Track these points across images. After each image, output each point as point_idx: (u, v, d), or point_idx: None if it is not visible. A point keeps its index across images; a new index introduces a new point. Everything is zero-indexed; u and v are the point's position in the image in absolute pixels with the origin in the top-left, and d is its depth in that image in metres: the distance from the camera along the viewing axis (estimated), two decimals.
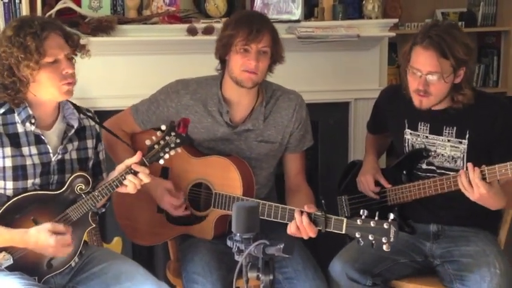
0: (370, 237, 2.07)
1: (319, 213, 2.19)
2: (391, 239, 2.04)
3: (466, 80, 2.40)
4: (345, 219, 2.14)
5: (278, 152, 2.60)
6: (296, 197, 2.52)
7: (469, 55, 2.36)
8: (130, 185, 2.20)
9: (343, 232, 2.14)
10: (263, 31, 2.40)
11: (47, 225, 2.13)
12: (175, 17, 3.24)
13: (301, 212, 2.21)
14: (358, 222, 2.10)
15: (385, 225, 2.05)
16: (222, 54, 2.48)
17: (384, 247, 2.05)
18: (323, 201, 2.25)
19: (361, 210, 2.10)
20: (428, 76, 2.34)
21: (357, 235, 2.09)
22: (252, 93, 2.51)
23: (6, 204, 2.15)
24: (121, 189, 2.22)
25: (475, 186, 2.25)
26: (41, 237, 2.11)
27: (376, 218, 2.07)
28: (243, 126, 2.52)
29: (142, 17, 3.21)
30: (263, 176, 2.57)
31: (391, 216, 2.05)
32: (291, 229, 2.24)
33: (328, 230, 2.18)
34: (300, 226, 2.21)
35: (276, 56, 2.48)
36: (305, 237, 2.23)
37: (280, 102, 2.56)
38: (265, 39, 2.40)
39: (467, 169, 2.28)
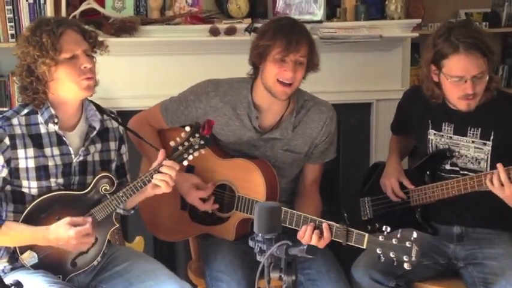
0: (391, 255, 2.04)
1: (341, 226, 2.18)
2: (413, 258, 2.02)
3: (492, 66, 2.40)
4: (366, 235, 2.12)
5: (302, 162, 2.58)
6: (306, 204, 2.50)
7: (494, 42, 2.36)
8: (161, 184, 2.20)
9: (364, 247, 2.12)
10: (301, 42, 2.35)
11: (65, 220, 2.14)
12: (198, 18, 3.26)
13: (315, 226, 2.21)
14: (380, 238, 2.07)
15: (408, 244, 2.02)
16: (257, 62, 2.44)
17: (405, 265, 2.03)
18: (345, 214, 2.23)
19: (384, 227, 2.07)
20: (473, 79, 2.32)
21: (378, 251, 2.07)
22: (284, 101, 2.48)
23: (33, 203, 2.17)
24: (157, 191, 2.23)
25: (506, 185, 2.23)
26: (60, 231, 2.12)
27: (399, 235, 2.04)
28: (271, 134, 2.50)
29: (165, 18, 3.23)
30: (284, 182, 2.55)
31: (414, 234, 2.03)
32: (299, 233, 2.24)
33: (349, 243, 2.17)
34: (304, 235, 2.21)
35: (311, 65, 2.43)
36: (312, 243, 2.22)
37: (311, 114, 2.52)
38: (302, 50, 2.36)
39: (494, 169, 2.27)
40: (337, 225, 2.19)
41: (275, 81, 2.37)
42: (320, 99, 2.58)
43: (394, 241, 2.04)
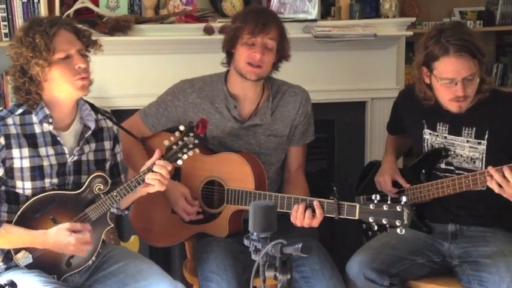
0: (384, 221, 2.10)
1: (332, 201, 2.21)
2: (405, 222, 2.07)
3: (485, 68, 2.41)
4: (357, 205, 2.16)
5: (285, 145, 2.62)
6: (294, 190, 2.52)
7: (485, 44, 2.37)
8: (154, 183, 2.20)
9: (357, 218, 2.17)
10: (270, 25, 2.43)
11: (65, 225, 2.14)
12: (192, 17, 3.25)
13: (306, 205, 2.25)
14: (371, 206, 2.12)
15: (398, 208, 2.07)
16: (229, 47, 2.51)
17: (398, 230, 2.08)
18: (335, 188, 2.26)
19: (373, 195, 2.12)
20: (464, 81, 2.32)
21: (371, 220, 2.13)
22: (258, 87, 2.53)
23: (27, 203, 2.16)
24: (150, 189, 2.23)
25: (504, 186, 2.24)
26: (60, 236, 2.13)
27: (389, 202, 2.10)
28: (251, 121, 2.54)
29: (159, 17, 3.22)
30: (272, 171, 2.59)
31: (404, 199, 2.08)
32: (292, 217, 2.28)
33: (342, 217, 2.19)
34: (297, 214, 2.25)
35: (282, 53, 2.50)
36: (306, 226, 2.26)
37: (287, 97, 2.59)
38: (271, 33, 2.43)
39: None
40: (328, 200, 2.23)
41: (245, 63, 2.43)
42: (292, 84, 2.65)
43: (384, 207, 2.10)
